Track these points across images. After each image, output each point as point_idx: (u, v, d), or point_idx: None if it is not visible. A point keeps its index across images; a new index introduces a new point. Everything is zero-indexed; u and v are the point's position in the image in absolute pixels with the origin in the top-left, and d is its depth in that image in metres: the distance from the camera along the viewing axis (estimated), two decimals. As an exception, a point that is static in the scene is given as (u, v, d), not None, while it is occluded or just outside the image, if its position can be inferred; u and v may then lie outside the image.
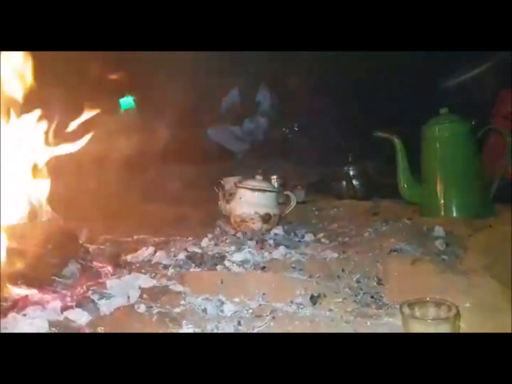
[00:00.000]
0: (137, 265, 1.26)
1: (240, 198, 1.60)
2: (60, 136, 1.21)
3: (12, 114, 1.14)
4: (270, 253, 1.30)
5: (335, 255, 1.27)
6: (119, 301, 0.98)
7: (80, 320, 0.90)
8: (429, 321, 0.64)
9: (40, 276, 0.99)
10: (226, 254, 1.29)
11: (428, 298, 0.70)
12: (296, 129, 2.99)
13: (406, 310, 0.67)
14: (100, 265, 1.18)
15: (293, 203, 1.66)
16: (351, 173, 2.14)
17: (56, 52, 1.03)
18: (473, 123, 1.63)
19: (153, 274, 1.16)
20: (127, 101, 3.19)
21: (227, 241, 1.44)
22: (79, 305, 0.94)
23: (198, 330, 0.87)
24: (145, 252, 1.35)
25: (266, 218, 1.56)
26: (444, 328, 0.63)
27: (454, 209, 1.59)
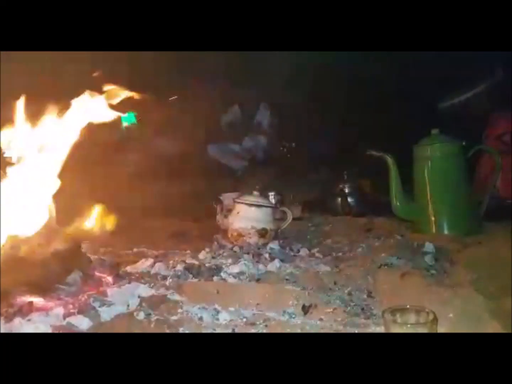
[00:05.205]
0: (137, 275, 1.30)
1: (238, 213, 1.63)
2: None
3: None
4: (265, 266, 1.34)
5: (328, 268, 1.32)
6: (119, 309, 1.02)
7: (81, 325, 0.94)
8: (408, 325, 0.69)
9: (44, 283, 1.04)
10: (223, 266, 1.33)
11: (408, 306, 0.74)
12: (294, 145, 3.04)
13: (388, 316, 0.72)
14: (101, 275, 1.22)
15: (289, 219, 1.69)
16: (346, 190, 2.19)
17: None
18: (463, 143, 1.69)
19: (152, 284, 1.20)
20: (129, 117, 3.25)
21: (224, 254, 1.48)
22: (81, 311, 0.98)
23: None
24: (144, 264, 1.39)
25: (262, 233, 1.59)
26: (422, 332, 0.68)
27: (445, 226, 1.64)
